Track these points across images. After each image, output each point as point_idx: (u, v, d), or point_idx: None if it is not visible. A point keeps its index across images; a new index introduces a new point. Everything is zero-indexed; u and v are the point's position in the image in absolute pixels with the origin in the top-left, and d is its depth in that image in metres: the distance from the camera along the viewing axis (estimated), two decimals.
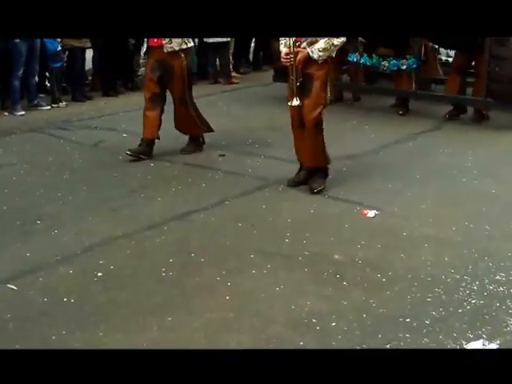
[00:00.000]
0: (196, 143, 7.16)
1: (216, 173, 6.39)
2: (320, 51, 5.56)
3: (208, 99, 9.79)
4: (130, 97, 10.07)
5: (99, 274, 4.37)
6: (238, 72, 12.00)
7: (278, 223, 5.24)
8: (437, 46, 9.83)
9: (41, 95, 9.61)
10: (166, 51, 6.65)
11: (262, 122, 8.39)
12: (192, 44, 7.06)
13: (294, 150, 6.06)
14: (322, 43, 5.54)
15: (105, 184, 6.15)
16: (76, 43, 9.56)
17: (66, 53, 9.68)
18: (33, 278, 4.33)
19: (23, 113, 8.93)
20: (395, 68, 8.66)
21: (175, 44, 6.65)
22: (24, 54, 8.85)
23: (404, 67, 8.63)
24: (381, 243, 4.84)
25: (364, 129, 8.08)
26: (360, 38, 8.91)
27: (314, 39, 5.57)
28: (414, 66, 8.62)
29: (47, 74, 9.78)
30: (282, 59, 5.75)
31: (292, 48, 5.60)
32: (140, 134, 6.79)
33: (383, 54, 8.85)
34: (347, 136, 7.71)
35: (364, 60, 8.85)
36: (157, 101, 6.81)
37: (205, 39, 11.06)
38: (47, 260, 4.57)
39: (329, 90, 5.79)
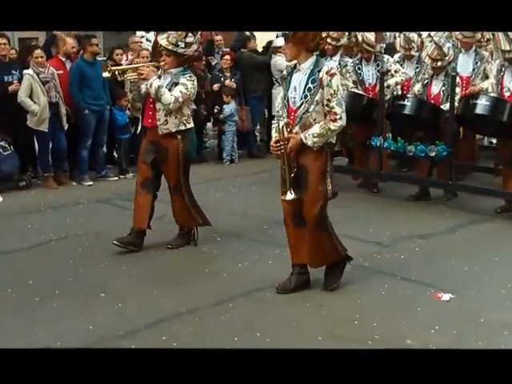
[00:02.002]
0: (186, 237, 6.62)
1: (284, 249, 6.39)
2: (314, 137, 5.03)
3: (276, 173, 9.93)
4: (196, 169, 10.21)
5: None
6: None
7: (346, 304, 5.22)
8: None
9: (108, 166, 9.96)
10: (160, 133, 6.23)
11: None
12: (192, 125, 6.47)
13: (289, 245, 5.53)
14: (316, 128, 5.04)
15: (169, 258, 6.28)
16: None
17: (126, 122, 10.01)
18: None
19: (91, 183, 9.26)
20: (422, 154, 7.94)
21: (171, 125, 6.22)
22: (93, 126, 9.24)
23: (432, 154, 7.83)
24: (456, 329, 4.76)
25: (438, 207, 8.03)
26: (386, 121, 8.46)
27: (308, 123, 5.08)
28: (445, 153, 7.75)
29: (116, 145, 10.12)
30: (271, 147, 5.30)
31: (282, 134, 5.12)
32: (204, 207, 6.85)
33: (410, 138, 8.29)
34: (421, 215, 7.67)
35: (388, 144, 8.18)
36: (149, 187, 6.40)
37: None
38: (110, 334, 4.66)
39: (329, 181, 5.21)
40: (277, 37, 11.55)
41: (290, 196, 5.17)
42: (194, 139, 6.63)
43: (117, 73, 6.54)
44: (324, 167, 5.16)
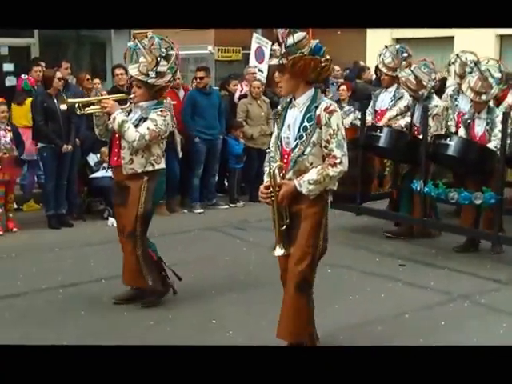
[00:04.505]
0: (137, 292, 5.90)
1: (396, 284, 6.40)
2: (310, 184, 4.37)
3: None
4: None
5: None
6: None
7: (461, 343, 5.11)
8: None
9: (219, 194, 10.19)
10: (125, 173, 5.65)
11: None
12: (162, 166, 5.81)
13: None
14: (313, 173, 4.38)
15: (280, 288, 6.32)
16: (255, 144, 10.11)
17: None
18: None
19: (201, 211, 9.52)
20: (466, 202, 7.08)
21: (137, 165, 5.62)
22: (203, 154, 9.50)
23: (478, 202, 6.96)
24: None
25: None
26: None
27: (304, 167, 4.43)
28: (492, 201, 6.88)
29: (227, 174, 10.36)
30: (259, 194, 4.63)
31: (274, 179, 4.47)
32: None
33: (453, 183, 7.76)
34: None
35: (428, 189, 7.31)
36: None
37: None
38: None
39: (322, 234, 4.53)
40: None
41: (278, 251, 4.55)
42: (162, 182, 5.93)
43: (77, 106, 5.94)
44: (320, 217, 4.49)
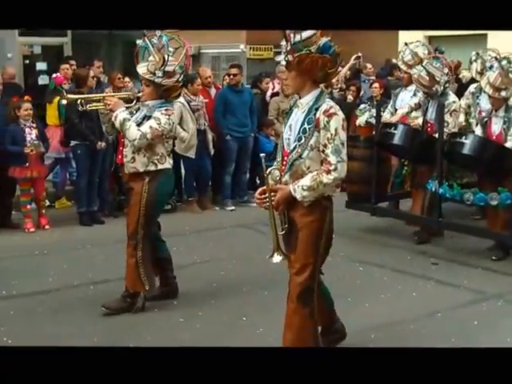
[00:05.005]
0: (126, 301, 5.66)
1: (428, 282, 6.32)
2: (304, 190, 4.15)
3: None
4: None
5: None
6: None
7: (494, 343, 5.03)
8: None
9: (250, 192, 10.15)
10: (127, 171, 5.62)
11: None
12: (167, 166, 5.61)
13: None
14: (307, 179, 4.16)
15: None
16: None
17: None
18: None
19: (233, 208, 9.52)
20: (482, 203, 6.92)
21: (139, 164, 5.50)
22: (235, 152, 9.49)
23: (494, 203, 6.78)
24: None
25: None
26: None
27: (301, 171, 4.22)
28: (509, 201, 6.74)
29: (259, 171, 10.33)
30: (256, 199, 4.52)
31: (267, 183, 4.31)
32: (348, 236, 6.84)
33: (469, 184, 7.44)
34: None
35: (443, 190, 7.10)
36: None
37: None
38: None
39: (324, 242, 4.32)
40: None
41: (276, 258, 4.35)
42: (166, 183, 5.72)
43: (79, 102, 5.84)
44: (318, 225, 4.27)
